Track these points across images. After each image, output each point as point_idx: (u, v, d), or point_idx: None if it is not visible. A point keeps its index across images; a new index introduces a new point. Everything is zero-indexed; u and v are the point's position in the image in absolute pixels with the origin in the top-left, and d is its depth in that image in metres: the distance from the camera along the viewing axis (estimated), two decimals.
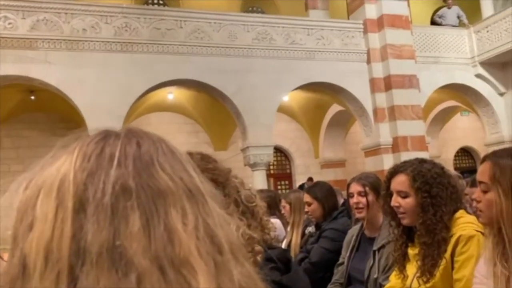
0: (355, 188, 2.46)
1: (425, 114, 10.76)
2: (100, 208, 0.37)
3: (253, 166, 9.12)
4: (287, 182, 13.68)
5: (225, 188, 1.10)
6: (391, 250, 1.93)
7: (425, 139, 9.84)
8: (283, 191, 12.34)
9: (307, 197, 3.09)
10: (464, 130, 15.13)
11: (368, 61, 9.84)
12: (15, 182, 0.41)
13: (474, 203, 1.44)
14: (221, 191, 1.08)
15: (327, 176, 12.10)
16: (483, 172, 1.37)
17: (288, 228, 3.60)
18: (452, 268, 1.66)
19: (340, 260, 2.58)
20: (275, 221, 3.74)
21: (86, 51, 7.89)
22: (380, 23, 9.79)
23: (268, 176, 11.54)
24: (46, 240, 0.36)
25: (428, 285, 1.68)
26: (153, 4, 13.45)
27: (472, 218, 1.72)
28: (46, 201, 0.38)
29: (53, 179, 0.39)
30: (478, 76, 11.02)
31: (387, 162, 8.99)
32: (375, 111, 9.72)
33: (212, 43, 8.74)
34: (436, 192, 1.74)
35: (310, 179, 10.79)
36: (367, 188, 2.42)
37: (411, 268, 1.79)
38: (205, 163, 1.12)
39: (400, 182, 1.80)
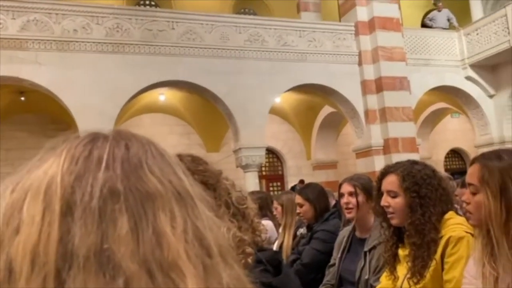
0: (346, 188, 2.48)
1: (415, 116, 10.84)
2: (87, 211, 0.37)
3: (245, 167, 9.13)
4: (279, 184, 13.70)
5: (216, 190, 1.10)
6: (382, 251, 1.95)
7: (416, 141, 9.92)
8: (275, 192, 12.36)
9: (298, 199, 3.10)
10: (454, 132, 15.27)
11: (360, 63, 9.90)
12: (1, 185, 0.41)
13: (464, 205, 1.45)
14: (212, 193, 1.08)
15: (318, 177, 12.13)
16: (472, 174, 1.38)
17: (280, 230, 3.60)
18: (442, 269, 1.67)
19: (331, 261, 2.59)
20: (267, 223, 3.74)
21: (77, 52, 7.84)
22: (372, 25, 9.86)
23: (260, 177, 11.56)
24: (33, 243, 0.35)
25: (418, 286, 1.69)
26: (144, 5, 13.41)
27: (462, 219, 1.73)
28: (33, 204, 0.38)
29: (40, 182, 0.39)
30: (468, 78, 11.13)
31: (378, 163, 9.04)
32: (366, 113, 9.77)
33: (204, 44, 8.74)
34: (425, 193, 1.76)
35: (302, 181, 10.82)
36: (357, 189, 2.44)
37: (402, 269, 1.80)
38: (195, 165, 1.11)
39: (391, 182, 1.83)
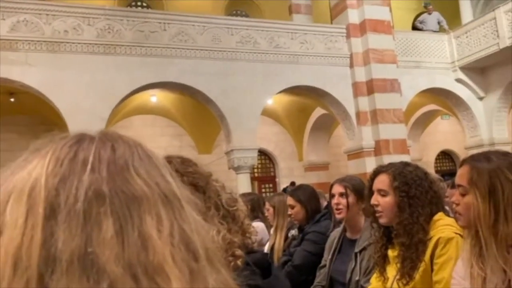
0: (337, 189, 2.49)
1: (406, 118, 10.92)
2: (72, 214, 0.36)
3: (237, 169, 9.12)
4: (271, 185, 13.71)
5: (205, 192, 1.09)
6: (372, 252, 1.96)
7: (407, 143, 9.98)
8: (267, 194, 12.36)
9: (290, 200, 3.10)
10: (445, 134, 15.39)
11: (351, 65, 9.95)
12: None
13: (454, 206, 1.46)
14: (202, 195, 1.08)
15: (310, 179, 12.16)
16: (461, 175, 1.39)
17: (272, 231, 3.60)
18: (432, 270, 1.68)
19: (322, 263, 2.59)
20: (259, 224, 3.74)
21: (68, 53, 7.78)
22: (363, 28, 9.92)
23: (252, 179, 11.55)
24: (15, 247, 0.35)
25: (408, 287, 1.70)
26: (136, 6, 13.35)
27: (451, 220, 1.74)
28: (16, 206, 0.37)
29: (24, 184, 0.38)
30: (458, 80, 11.24)
31: (370, 165, 9.08)
32: (357, 114, 9.82)
33: (196, 46, 8.72)
34: (414, 193, 1.77)
35: (293, 183, 10.83)
36: (348, 190, 2.45)
37: (391, 271, 1.81)
38: (185, 167, 1.11)
39: (382, 181, 1.85)
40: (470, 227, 1.35)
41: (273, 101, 10.81)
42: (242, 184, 8.96)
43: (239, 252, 1.02)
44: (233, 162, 9.06)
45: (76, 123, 7.44)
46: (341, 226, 2.58)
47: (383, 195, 1.82)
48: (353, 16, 10.00)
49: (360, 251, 2.25)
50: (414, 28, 12.98)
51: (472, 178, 1.33)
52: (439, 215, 1.78)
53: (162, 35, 8.51)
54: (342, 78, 9.82)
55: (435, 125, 15.10)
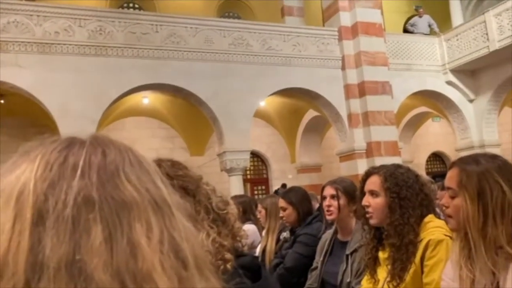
0: (328, 191, 2.50)
1: (397, 120, 10.98)
2: (60, 221, 0.36)
3: (230, 171, 9.10)
4: (263, 187, 13.70)
5: (195, 196, 1.09)
6: (363, 254, 1.97)
7: (398, 144, 10.04)
8: (260, 196, 12.35)
9: (282, 202, 3.10)
10: (436, 136, 15.50)
11: (343, 68, 9.99)
12: None
13: (443, 208, 1.47)
14: (192, 199, 1.07)
15: (302, 181, 12.17)
16: (450, 178, 1.40)
17: (263, 233, 3.60)
18: (422, 272, 1.69)
19: (314, 265, 2.59)
20: (250, 227, 3.74)
21: (59, 55, 7.72)
22: (355, 30, 9.97)
23: (245, 181, 11.53)
24: (2, 252, 0.34)
25: None
26: (128, 7, 13.29)
27: (441, 222, 1.75)
28: (3, 211, 0.37)
29: (12, 188, 0.38)
30: (449, 83, 11.33)
31: (361, 167, 9.12)
32: (349, 116, 9.86)
33: (188, 47, 8.70)
34: (405, 194, 1.79)
35: (284, 185, 10.84)
36: (339, 192, 2.46)
37: (382, 272, 1.82)
38: (175, 170, 1.11)
39: (373, 182, 1.86)
40: (460, 230, 1.36)
41: (266, 103, 10.82)
42: (235, 186, 8.95)
43: (228, 255, 1.02)
44: (225, 164, 9.04)
45: (67, 125, 7.38)
46: (333, 228, 2.59)
47: (374, 196, 1.84)
48: (345, 18, 10.05)
49: (351, 253, 2.26)
50: (405, 31, 13.07)
51: (462, 181, 1.34)
52: (430, 217, 1.80)
53: (154, 36, 8.49)
54: (334, 80, 9.86)
55: (426, 127, 15.20)
